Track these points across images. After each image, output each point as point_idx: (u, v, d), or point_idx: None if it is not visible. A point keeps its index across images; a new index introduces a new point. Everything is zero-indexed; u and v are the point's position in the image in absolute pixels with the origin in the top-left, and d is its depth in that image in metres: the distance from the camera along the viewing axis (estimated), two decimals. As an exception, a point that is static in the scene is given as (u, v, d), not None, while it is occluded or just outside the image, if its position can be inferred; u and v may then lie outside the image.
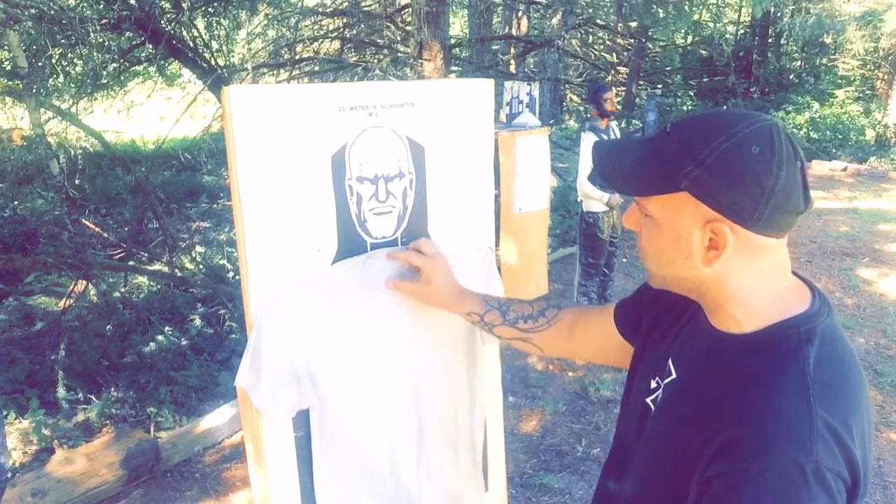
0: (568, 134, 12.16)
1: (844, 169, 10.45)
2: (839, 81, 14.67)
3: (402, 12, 7.81)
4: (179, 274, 4.92)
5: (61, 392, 3.46)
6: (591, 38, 14.71)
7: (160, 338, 4.03)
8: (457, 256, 1.24)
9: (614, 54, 15.99)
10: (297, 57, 7.61)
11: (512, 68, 11.72)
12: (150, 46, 5.68)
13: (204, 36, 6.36)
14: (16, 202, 6.12)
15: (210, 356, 3.93)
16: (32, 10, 3.90)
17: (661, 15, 7.71)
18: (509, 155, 4.05)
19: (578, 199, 4.18)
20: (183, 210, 7.18)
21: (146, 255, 5.34)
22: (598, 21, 10.85)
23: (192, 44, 5.89)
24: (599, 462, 2.97)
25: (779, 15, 14.49)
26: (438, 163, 1.22)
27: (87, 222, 5.48)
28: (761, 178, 0.72)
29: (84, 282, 4.24)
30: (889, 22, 10.42)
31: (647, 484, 0.87)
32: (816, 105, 13.32)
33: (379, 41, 7.59)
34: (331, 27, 8.48)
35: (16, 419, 3.20)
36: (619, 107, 13.33)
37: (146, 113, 9.47)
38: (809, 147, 11.64)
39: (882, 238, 6.64)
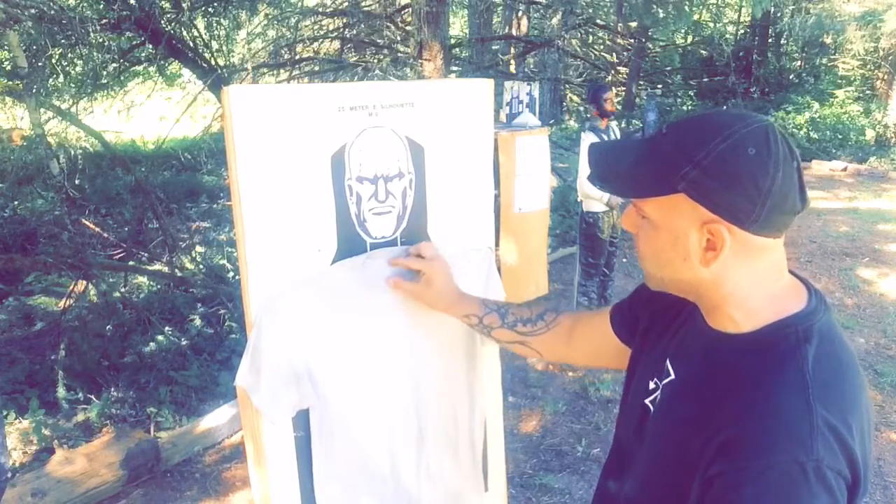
0: (568, 134, 12.16)
1: (844, 169, 10.45)
2: (839, 81, 14.67)
3: (402, 12, 7.81)
4: (179, 274, 4.92)
5: (61, 392, 3.46)
6: (591, 38, 14.71)
7: (160, 338, 4.04)
8: (457, 257, 1.24)
9: (614, 54, 15.99)
10: (297, 57, 7.61)
11: (512, 68, 11.72)
12: (150, 46, 5.68)
13: (204, 36, 6.36)
14: (16, 202, 6.12)
15: (210, 356, 3.93)
16: (32, 10, 3.90)
17: (661, 15, 7.72)
18: (509, 155, 4.05)
19: (578, 199, 4.18)
20: (183, 210, 7.18)
21: (146, 255, 5.34)
22: (598, 21, 10.85)
23: (192, 44, 5.89)
24: (599, 462, 2.97)
25: (779, 15, 14.50)
26: (438, 163, 1.22)
27: (87, 222, 5.48)
28: (758, 178, 0.72)
29: (84, 282, 4.24)
30: (889, 22, 10.42)
31: (647, 484, 0.87)
32: (816, 105, 13.31)
33: (379, 41, 7.59)
34: (331, 27, 8.48)
35: (16, 419, 3.20)
36: (619, 107, 13.32)
37: (146, 113, 9.47)
38: (809, 147, 11.64)
39: (882, 238, 6.64)
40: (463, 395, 1.32)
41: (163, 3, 5.49)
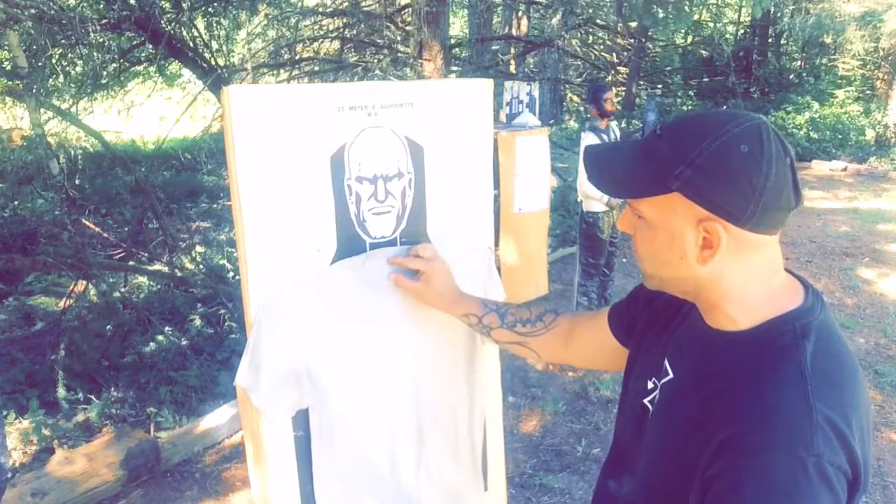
0: (568, 134, 12.16)
1: (844, 169, 10.45)
2: (839, 81, 14.67)
3: (402, 12, 7.81)
4: (179, 274, 4.92)
5: (61, 392, 3.46)
6: (591, 38, 14.72)
7: (160, 338, 4.04)
8: (457, 257, 1.24)
9: (614, 54, 16.00)
10: (297, 57, 7.61)
11: (512, 68, 11.72)
12: (150, 46, 5.67)
13: (204, 36, 6.36)
14: (16, 202, 6.12)
15: (210, 356, 3.93)
16: (32, 10, 3.90)
17: (661, 15, 7.72)
18: (509, 155, 4.05)
19: (578, 199, 4.17)
20: (183, 210, 7.18)
21: (146, 255, 5.34)
22: (598, 21, 10.86)
23: (192, 44, 5.89)
24: (599, 462, 2.97)
25: (779, 15, 14.50)
26: (438, 163, 1.22)
27: (87, 222, 5.48)
28: (752, 176, 0.72)
29: (84, 282, 4.24)
30: (889, 22, 10.42)
31: (647, 484, 0.87)
32: (816, 105, 13.31)
33: (379, 41, 7.59)
34: (331, 27, 8.48)
35: (16, 419, 3.20)
36: (619, 107, 13.32)
37: (146, 113, 9.47)
38: (809, 147, 11.64)
39: (882, 238, 6.64)
40: (463, 395, 1.32)
41: (163, 3, 5.49)
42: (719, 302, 0.81)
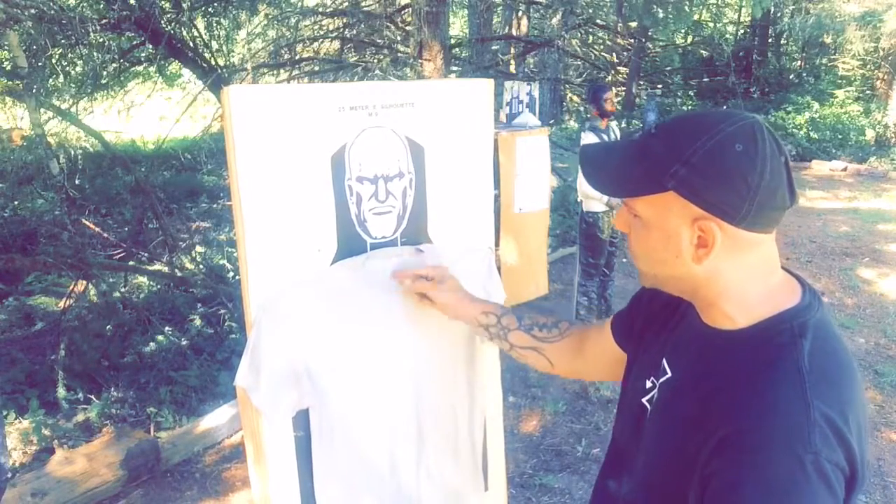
0: (568, 134, 12.16)
1: (844, 169, 10.45)
2: (839, 81, 14.67)
3: (402, 12, 7.82)
4: (179, 274, 4.92)
5: (61, 392, 3.46)
6: (591, 38, 14.73)
7: (160, 338, 4.04)
8: (457, 257, 1.24)
9: (614, 54, 16.00)
10: (297, 57, 7.61)
11: (512, 68, 11.72)
12: (150, 46, 5.68)
13: (204, 36, 6.36)
14: (16, 202, 6.12)
15: (210, 356, 3.93)
16: (32, 10, 3.90)
17: (661, 15, 7.72)
18: (509, 155, 4.05)
19: (578, 199, 4.18)
20: (183, 210, 7.18)
21: (146, 255, 5.34)
22: (598, 21, 10.86)
23: (192, 44, 5.89)
24: (599, 462, 2.96)
25: (779, 15, 14.51)
26: (438, 163, 1.22)
27: (87, 222, 5.48)
28: (746, 175, 0.73)
29: (84, 282, 4.24)
30: (889, 22, 10.42)
31: (646, 484, 0.87)
32: (816, 105, 13.32)
33: (379, 41, 7.59)
34: (331, 27, 8.48)
35: (16, 419, 3.20)
36: (619, 107, 13.33)
37: (146, 113, 9.48)
38: (809, 147, 11.64)
39: (882, 238, 6.64)
40: (463, 395, 1.32)
41: (163, 3, 5.49)
42: (716, 300, 0.81)
